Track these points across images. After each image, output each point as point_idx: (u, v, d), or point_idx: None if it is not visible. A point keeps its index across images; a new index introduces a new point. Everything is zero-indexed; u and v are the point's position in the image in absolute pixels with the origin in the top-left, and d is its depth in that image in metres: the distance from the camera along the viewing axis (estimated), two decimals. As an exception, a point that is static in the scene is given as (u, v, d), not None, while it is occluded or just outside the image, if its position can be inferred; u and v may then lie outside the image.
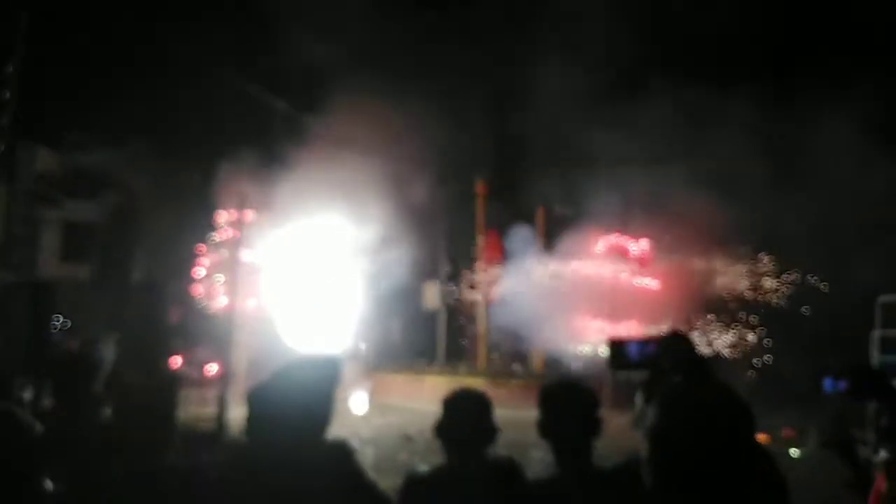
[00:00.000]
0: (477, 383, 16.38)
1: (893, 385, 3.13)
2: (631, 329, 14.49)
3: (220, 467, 2.45)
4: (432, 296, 18.65)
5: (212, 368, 13.10)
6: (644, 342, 1.52)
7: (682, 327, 13.71)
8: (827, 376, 3.06)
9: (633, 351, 1.51)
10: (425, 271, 19.09)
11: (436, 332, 19.10)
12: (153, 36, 16.43)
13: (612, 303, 14.99)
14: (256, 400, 2.59)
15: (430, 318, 19.27)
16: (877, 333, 7.75)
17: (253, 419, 2.60)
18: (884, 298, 7.75)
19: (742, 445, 1.22)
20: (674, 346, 1.48)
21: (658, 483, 1.24)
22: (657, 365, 1.47)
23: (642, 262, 16.14)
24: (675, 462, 1.22)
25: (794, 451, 11.21)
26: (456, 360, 18.69)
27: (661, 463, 1.23)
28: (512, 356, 18.20)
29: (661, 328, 14.53)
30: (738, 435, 1.22)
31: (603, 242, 16.30)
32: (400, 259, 16.40)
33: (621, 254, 16.18)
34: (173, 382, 2.75)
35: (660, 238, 15.64)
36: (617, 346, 1.53)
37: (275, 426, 2.28)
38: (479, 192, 18.42)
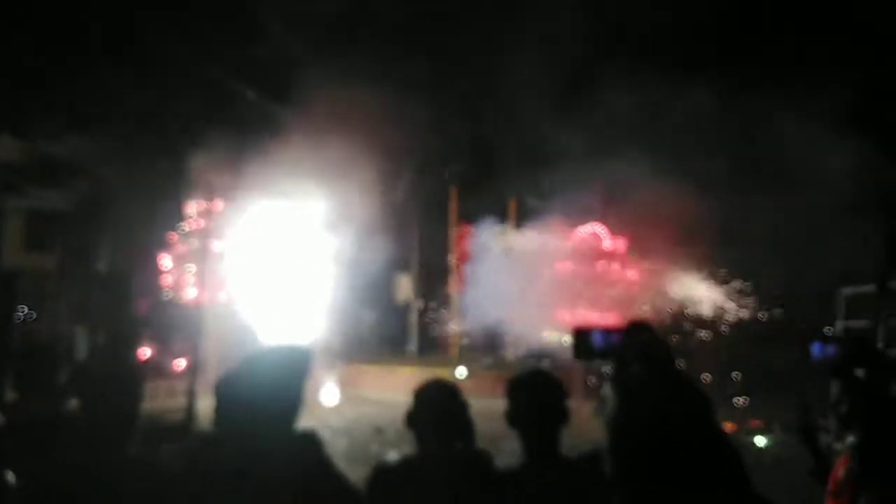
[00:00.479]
0: (448, 374, 16.45)
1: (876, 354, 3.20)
2: (600, 319, 14.67)
3: (188, 458, 2.42)
4: (405, 287, 18.65)
5: (181, 361, 12.95)
6: (608, 331, 1.53)
7: (648, 318, 13.92)
8: (817, 342, 3.13)
9: (597, 340, 1.52)
10: (398, 262, 19.08)
11: (408, 323, 19.12)
12: (121, 21, 16.10)
13: (583, 293, 15.11)
14: (224, 390, 2.57)
15: (403, 309, 19.28)
16: (839, 325, 7.93)
17: (221, 409, 2.58)
18: (846, 290, 7.93)
19: (700, 435, 1.24)
20: (636, 336, 1.49)
21: (618, 472, 1.26)
22: (621, 355, 1.49)
23: (613, 254, 16.30)
24: (634, 451, 1.24)
25: (760, 441, 11.47)
26: (428, 352, 18.74)
27: (621, 452, 1.25)
28: (484, 347, 18.28)
29: (628, 318, 14.69)
30: (697, 424, 1.24)
31: (574, 233, 16.42)
32: (372, 249, 16.35)
33: (593, 244, 16.32)
34: (136, 373, 2.69)
35: (632, 230, 15.78)
36: (581, 335, 1.54)
37: (243, 416, 2.27)
38: (452, 182, 18.44)
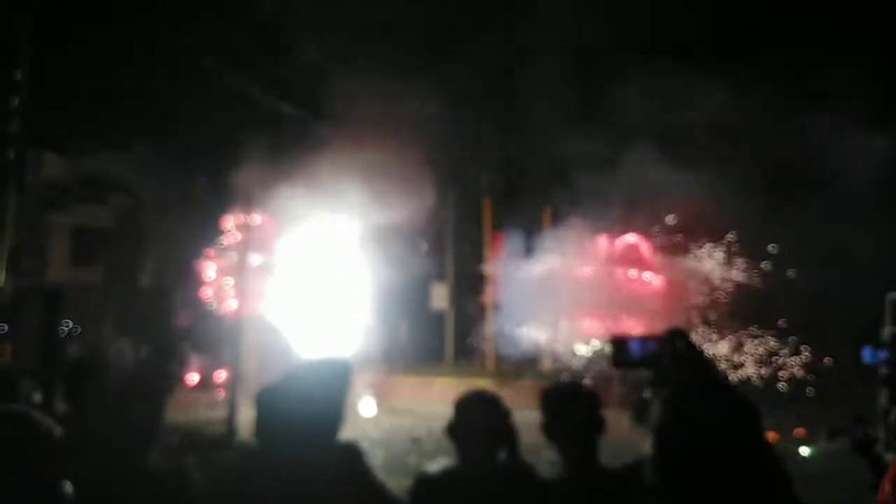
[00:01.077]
0: (485, 385, 16.39)
1: None
2: (635, 327, 14.52)
3: (230, 471, 2.47)
4: (440, 297, 18.66)
5: (222, 373, 13.17)
6: (646, 339, 1.53)
7: (684, 326, 13.71)
8: (868, 346, 3.11)
9: (634, 348, 1.52)
10: (434, 273, 19.12)
11: (444, 333, 19.11)
12: (159, 39, 16.54)
13: (618, 302, 14.94)
14: (265, 402, 2.62)
15: (439, 319, 19.28)
16: (888, 330, 7.70)
17: (262, 422, 2.63)
18: (894, 296, 7.71)
19: (749, 445, 1.24)
20: (674, 344, 1.50)
21: (663, 480, 1.26)
22: (658, 363, 1.49)
23: (646, 262, 16.12)
24: (680, 458, 1.24)
25: (804, 450, 11.19)
26: (464, 362, 18.69)
27: (667, 459, 1.25)
28: (521, 357, 18.19)
29: (665, 326, 14.46)
30: (744, 433, 1.24)
31: (607, 242, 16.29)
32: (408, 260, 16.43)
33: (626, 253, 16.16)
34: (159, 381, 2.72)
35: (662, 237, 15.60)
36: (619, 343, 1.55)
37: (284, 429, 2.30)
38: (486, 192, 18.45)
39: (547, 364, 17.30)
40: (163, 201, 15.84)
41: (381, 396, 16.82)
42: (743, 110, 13.47)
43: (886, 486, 3.14)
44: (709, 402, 1.28)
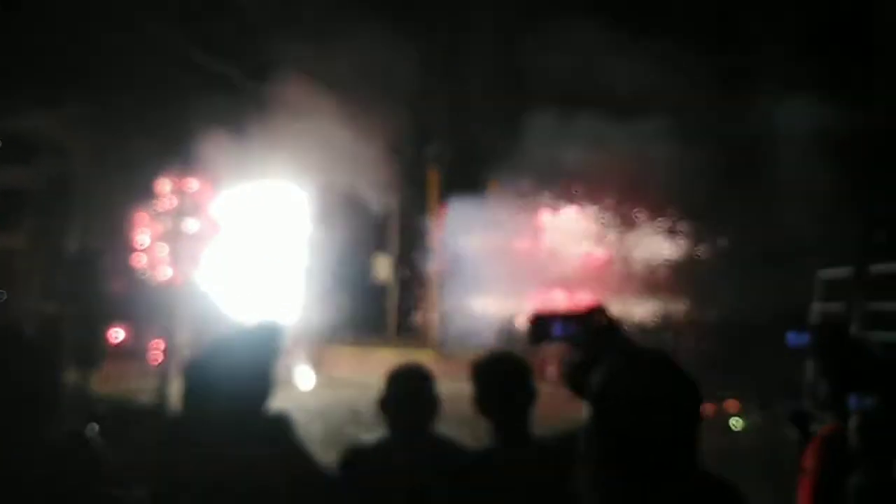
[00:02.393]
0: (426, 357, 16.48)
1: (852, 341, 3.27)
2: (574, 300, 14.78)
3: (157, 441, 2.39)
4: (382, 268, 18.58)
5: (154, 342, 12.82)
6: (567, 317, 1.52)
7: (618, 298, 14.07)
8: (792, 331, 3.22)
9: (556, 325, 1.51)
10: (376, 243, 19.00)
11: (386, 305, 19.08)
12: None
13: (560, 275, 15.13)
14: (192, 373, 2.53)
15: (381, 291, 19.22)
16: (816, 307, 8.03)
17: (188, 391, 2.54)
18: (824, 273, 8.03)
19: (689, 419, 1.24)
20: (595, 319, 1.50)
21: (595, 453, 1.25)
22: (578, 338, 1.49)
23: (584, 234, 16.32)
24: (613, 435, 1.23)
25: (735, 422, 11.64)
26: (406, 334, 18.74)
27: (601, 435, 1.24)
28: (463, 330, 18.31)
29: (598, 299, 14.77)
30: (685, 406, 1.24)
31: (549, 215, 16.44)
32: (351, 230, 16.26)
33: (565, 226, 16.34)
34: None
35: (605, 210, 15.80)
36: (540, 320, 1.54)
37: (212, 398, 2.23)
38: (431, 164, 18.35)
39: (488, 337, 17.47)
40: (93, 163, 15.19)
41: (321, 367, 16.74)
42: (677, 84, 13.69)
43: (810, 458, 3.26)
44: (640, 377, 1.27)
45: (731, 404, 12.62)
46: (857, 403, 2.79)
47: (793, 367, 7.89)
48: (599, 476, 1.25)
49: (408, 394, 2.30)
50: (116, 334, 12.50)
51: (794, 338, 3.09)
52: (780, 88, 12.82)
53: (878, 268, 6.69)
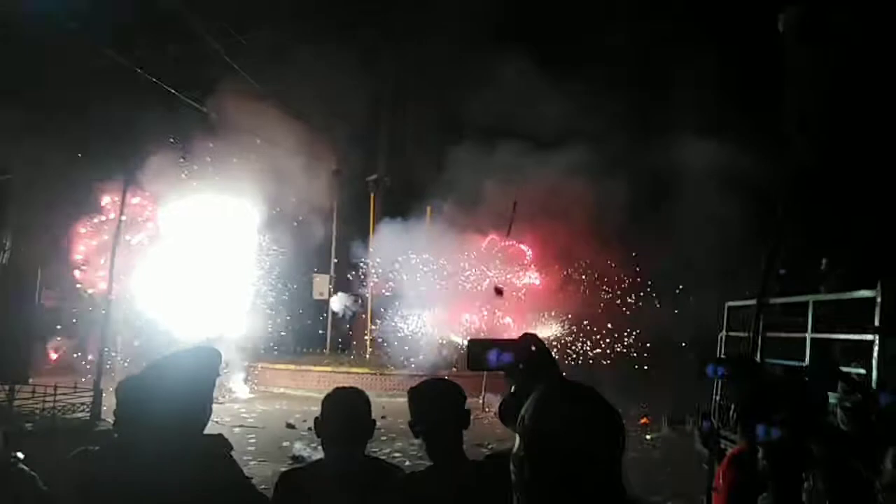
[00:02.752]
0: (362, 374, 16.30)
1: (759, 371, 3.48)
2: (505, 325, 14.95)
3: (88, 463, 2.26)
4: (321, 287, 18.34)
5: (88, 356, 12.22)
6: (501, 343, 1.54)
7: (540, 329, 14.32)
8: (710, 364, 3.38)
9: (491, 354, 1.53)
10: (317, 263, 18.75)
11: (324, 323, 18.82)
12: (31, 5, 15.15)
13: (495, 300, 15.25)
14: (127, 394, 2.42)
15: (320, 309, 18.95)
16: (722, 335, 8.35)
17: (122, 412, 2.42)
18: (730, 303, 8.35)
19: (613, 446, 1.26)
20: (526, 348, 1.52)
21: (527, 479, 1.25)
22: (512, 368, 1.52)
23: (525, 263, 16.56)
24: (543, 460, 1.23)
25: (648, 436, 12.02)
26: (343, 352, 18.51)
27: (532, 460, 1.24)
28: (398, 348, 18.26)
29: (536, 326, 15.04)
30: (610, 435, 1.26)
31: (488, 242, 16.62)
32: (292, 249, 16.00)
33: (507, 253, 16.54)
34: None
35: (544, 241, 16.08)
36: (476, 348, 1.55)
37: (144, 419, 2.13)
38: (371, 188, 18.32)
39: (422, 355, 17.44)
40: (30, 175, 14.46)
41: (260, 383, 16.34)
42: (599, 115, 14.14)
43: (720, 475, 3.37)
44: (576, 403, 1.29)
45: (644, 421, 13.00)
46: (763, 432, 2.90)
47: (701, 389, 8.17)
48: (529, 499, 1.25)
49: (343, 416, 2.27)
50: (50, 349, 11.88)
51: (711, 370, 3.28)
52: (693, 128, 13.31)
53: (777, 300, 7.03)
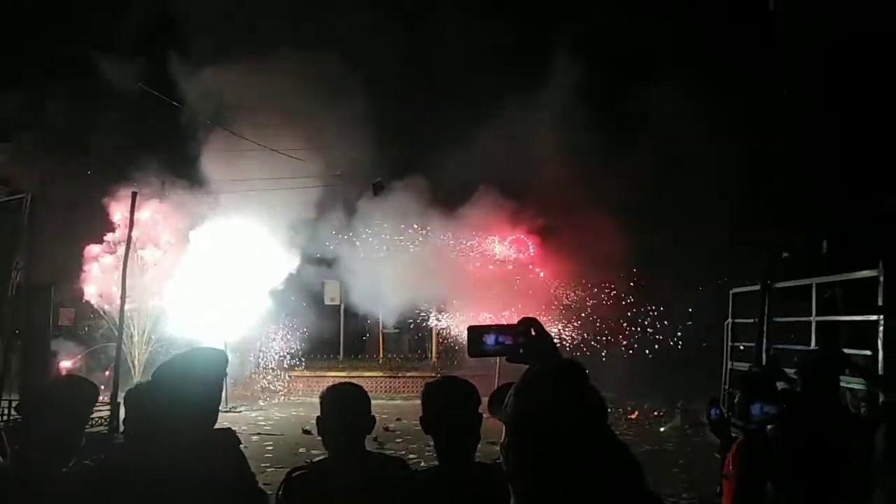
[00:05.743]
0: (376, 377, 16.37)
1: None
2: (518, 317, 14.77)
3: (105, 467, 2.30)
4: (332, 292, 18.35)
5: (106, 372, 12.32)
6: (500, 328, 1.52)
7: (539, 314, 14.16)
8: (713, 407, 3.54)
9: (489, 338, 1.50)
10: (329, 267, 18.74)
11: (337, 327, 18.85)
12: (44, 29, 15.37)
13: (503, 294, 15.16)
14: (133, 401, 2.47)
15: (333, 313, 18.96)
16: (729, 322, 8.29)
17: (132, 415, 2.47)
18: (735, 290, 8.30)
19: (595, 432, 1.24)
20: (525, 331, 1.48)
21: (512, 468, 1.24)
22: (511, 351, 1.48)
23: (530, 255, 16.47)
24: (531, 447, 1.22)
25: (662, 428, 11.95)
26: (357, 355, 18.55)
27: (518, 448, 1.23)
28: (411, 349, 18.31)
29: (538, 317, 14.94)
30: (590, 422, 1.24)
31: (496, 236, 16.59)
32: (304, 255, 16.04)
33: (515, 246, 16.47)
34: (88, 385, 2.53)
35: (548, 233, 15.98)
36: (474, 334, 1.53)
37: (153, 425, 2.17)
38: (376, 191, 18.27)
39: (435, 356, 17.44)
40: (45, 194, 14.62)
41: (276, 390, 16.42)
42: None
43: (730, 462, 3.37)
44: (555, 389, 1.27)
45: (657, 412, 12.96)
46: (760, 411, 2.90)
47: (711, 378, 8.14)
48: (518, 489, 1.24)
49: (341, 411, 2.28)
50: (65, 366, 11.98)
51: (758, 410, 3.34)
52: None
53: (781, 284, 6.99)
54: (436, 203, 15.61)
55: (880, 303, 5.10)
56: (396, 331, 18.46)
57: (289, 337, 16.99)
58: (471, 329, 1.52)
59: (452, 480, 2.11)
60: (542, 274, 16.01)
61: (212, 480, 2.05)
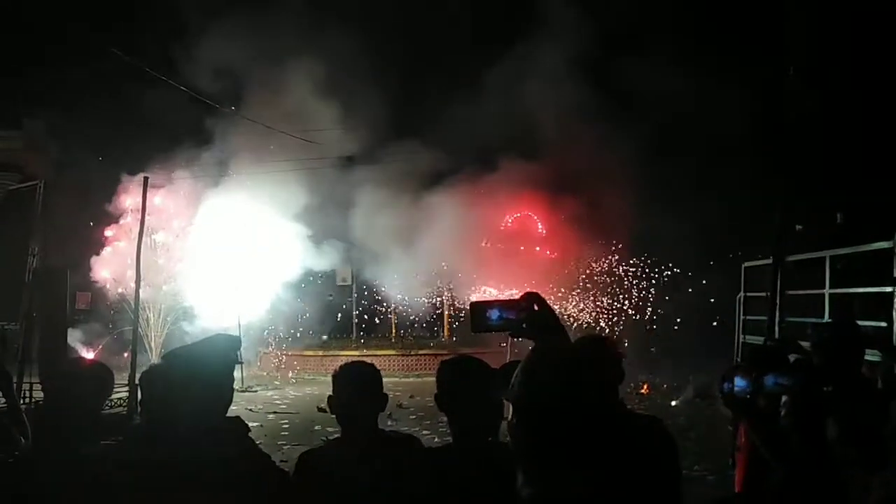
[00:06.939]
0: (389, 355, 16.46)
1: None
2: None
3: (122, 451, 2.32)
4: (344, 273, 18.42)
5: (123, 354, 12.47)
6: (503, 303, 1.49)
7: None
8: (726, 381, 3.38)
9: (492, 313, 1.48)
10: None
11: (350, 307, 18.96)
12: (55, 13, 15.39)
13: (517, 273, 15.16)
14: (148, 383, 2.48)
15: (345, 293, 19.06)
16: (741, 295, 8.25)
17: (148, 399, 2.49)
18: (747, 264, 8.25)
19: (599, 408, 1.22)
20: (528, 307, 1.46)
21: (520, 447, 1.23)
22: (514, 326, 1.45)
23: (541, 235, 16.45)
24: (537, 425, 1.21)
25: (673, 402, 11.96)
26: (370, 335, 18.66)
27: (522, 427, 1.22)
28: (423, 328, 18.39)
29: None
30: (594, 401, 1.23)
31: (508, 217, 16.58)
32: (317, 235, 16.10)
33: (524, 227, 16.45)
34: (105, 371, 2.58)
35: (557, 212, 15.93)
36: (478, 309, 1.50)
37: (169, 407, 2.18)
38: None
39: (447, 333, 17.51)
40: (57, 179, 14.68)
41: (290, 369, 16.58)
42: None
43: (742, 434, 3.36)
44: (560, 367, 1.25)
45: (668, 386, 12.97)
46: (774, 382, 2.86)
47: (723, 350, 8.11)
48: (523, 467, 1.23)
49: (353, 388, 2.28)
50: (83, 350, 12.12)
51: (771, 381, 3.16)
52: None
53: (794, 257, 6.92)
54: (446, 175, 15.60)
55: (895, 274, 5.05)
56: (409, 309, 18.51)
57: (302, 317, 17.10)
58: (474, 304, 1.50)
59: (465, 459, 2.11)
60: (548, 252, 15.99)
61: (226, 464, 2.07)
